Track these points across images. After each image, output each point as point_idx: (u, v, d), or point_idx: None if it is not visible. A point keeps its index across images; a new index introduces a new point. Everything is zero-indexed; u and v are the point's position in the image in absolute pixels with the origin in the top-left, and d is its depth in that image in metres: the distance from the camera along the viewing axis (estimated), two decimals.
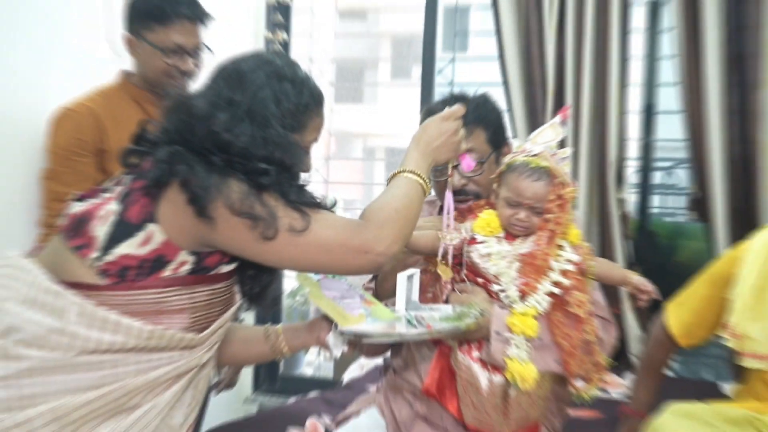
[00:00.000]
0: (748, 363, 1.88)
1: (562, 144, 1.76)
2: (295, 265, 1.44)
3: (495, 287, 1.72)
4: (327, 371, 4.02)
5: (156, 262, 1.33)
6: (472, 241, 1.76)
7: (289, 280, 2.71)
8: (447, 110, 1.61)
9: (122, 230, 1.33)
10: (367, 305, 1.65)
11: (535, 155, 1.72)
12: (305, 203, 1.39)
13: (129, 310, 1.32)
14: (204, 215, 1.29)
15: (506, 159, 1.78)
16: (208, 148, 1.33)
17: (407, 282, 1.68)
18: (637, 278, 1.79)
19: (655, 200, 3.27)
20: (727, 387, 2.56)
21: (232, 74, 1.41)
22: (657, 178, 3.24)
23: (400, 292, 1.66)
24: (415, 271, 1.71)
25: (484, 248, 1.74)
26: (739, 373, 2.02)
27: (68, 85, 2.30)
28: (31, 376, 1.25)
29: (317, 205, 1.43)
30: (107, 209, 1.35)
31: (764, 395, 1.90)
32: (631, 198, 3.07)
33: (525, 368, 1.65)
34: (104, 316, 1.28)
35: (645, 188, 3.15)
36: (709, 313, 2.00)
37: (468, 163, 1.80)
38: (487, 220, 1.75)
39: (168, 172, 1.31)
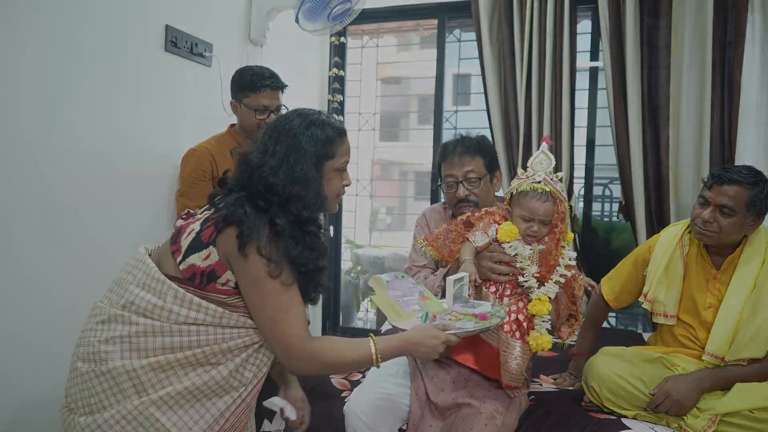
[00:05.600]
0: (658, 320, 1.83)
1: (555, 168, 1.64)
2: (263, 307, 1.26)
3: (520, 279, 1.63)
4: (371, 324, 4.01)
5: (210, 274, 1.27)
6: (499, 242, 1.65)
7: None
8: (445, 338, 1.38)
9: (196, 244, 1.28)
10: (422, 300, 1.52)
11: (539, 182, 1.60)
12: (302, 264, 1.28)
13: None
14: (242, 251, 1.23)
15: (513, 184, 1.66)
16: (260, 189, 1.27)
17: (455, 284, 1.53)
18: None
19: (596, 206, 3.19)
20: (646, 336, 2.48)
21: (274, 130, 1.35)
22: (597, 191, 3.16)
23: (449, 292, 1.52)
24: (464, 275, 1.57)
25: (510, 249, 1.63)
26: (654, 327, 1.96)
27: (195, 134, 2.33)
28: (139, 336, 1.24)
29: (319, 255, 1.31)
30: (192, 227, 1.31)
31: (670, 342, 1.84)
32: (579, 204, 3.00)
33: (543, 338, 1.61)
34: (191, 298, 1.25)
35: (588, 198, 3.07)
36: (631, 285, 1.95)
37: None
38: (507, 230, 1.63)
39: (233, 214, 1.24)
